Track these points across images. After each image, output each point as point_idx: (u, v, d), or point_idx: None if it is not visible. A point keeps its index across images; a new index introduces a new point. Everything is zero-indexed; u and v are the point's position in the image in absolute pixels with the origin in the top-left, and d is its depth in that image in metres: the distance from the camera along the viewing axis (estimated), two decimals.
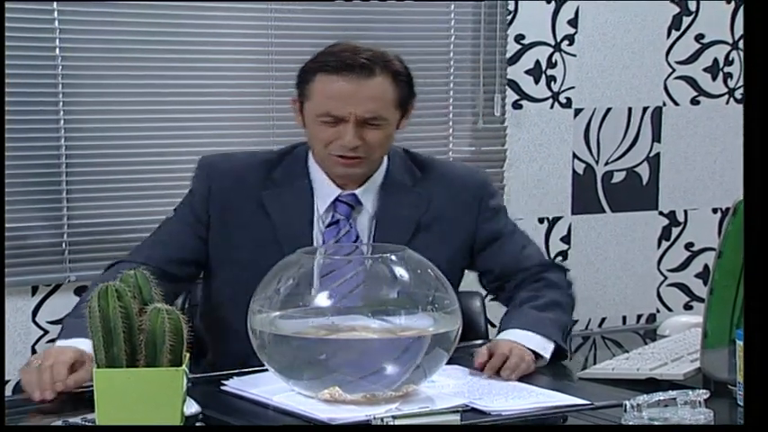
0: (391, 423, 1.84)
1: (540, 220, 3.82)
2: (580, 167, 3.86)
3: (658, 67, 3.92)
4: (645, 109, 3.93)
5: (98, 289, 1.82)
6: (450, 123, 3.64)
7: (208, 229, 2.52)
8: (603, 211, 3.91)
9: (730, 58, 4.01)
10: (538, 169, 3.79)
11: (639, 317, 4.00)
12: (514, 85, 3.72)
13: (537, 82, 3.75)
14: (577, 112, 3.83)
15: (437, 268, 2.14)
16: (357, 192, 2.52)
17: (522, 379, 2.25)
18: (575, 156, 3.84)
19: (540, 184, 3.80)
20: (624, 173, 3.93)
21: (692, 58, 3.97)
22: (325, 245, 2.46)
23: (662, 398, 1.92)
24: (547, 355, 2.37)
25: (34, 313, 3.17)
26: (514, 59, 3.71)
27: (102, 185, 3.20)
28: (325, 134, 2.45)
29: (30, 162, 3.10)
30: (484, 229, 2.59)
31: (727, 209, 3.86)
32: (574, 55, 3.79)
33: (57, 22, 3.10)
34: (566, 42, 3.78)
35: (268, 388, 2.12)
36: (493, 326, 3.41)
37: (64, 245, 3.16)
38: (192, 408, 1.97)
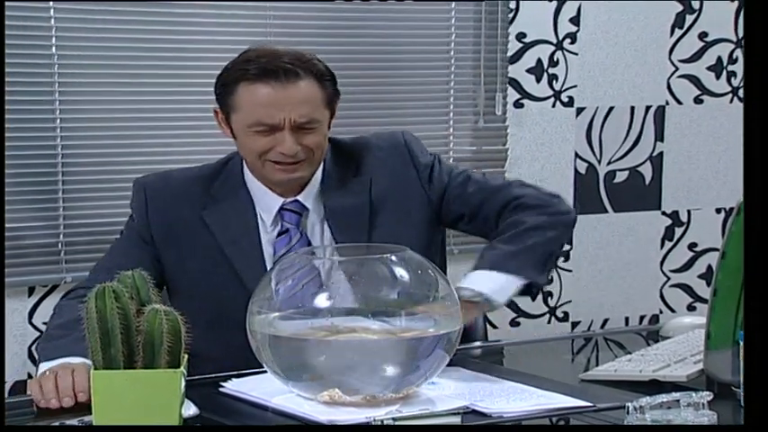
0: (392, 425, 1.84)
1: None
2: (582, 167, 3.84)
3: (661, 65, 3.91)
4: (648, 108, 3.91)
5: (96, 290, 1.81)
6: (451, 122, 3.63)
7: (156, 249, 2.49)
8: (606, 211, 3.90)
9: (734, 57, 3.99)
10: (539, 169, 3.77)
11: (642, 318, 3.98)
12: (516, 84, 3.71)
13: (539, 81, 3.74)
14: (579, 111, 3.81)
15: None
16: (299, 198, 2.48)
17: (522, 380, 2.22)
18: (577, 155, 3.83)
19: (542, 183, 3.72)
20: (627, 172, 3.91)
21: (696, 57, 3.95)
22: (323, 245, 2.44)
23: (665, 400, 1.90)
24: (504, 299, 2.33)
25: (30, 314, 3.16)
26: (516, 58, 3.70)
27: (98, 186, 3.18)
28: (258, 144, 2.40)
29: (26, 162, 3.09)
30: (432, 188, 2.53)
31: (731, 209, 3.82)
32: (576, 53, 3.78)
33: (53, 21, 3.08)
34: (568, 41, 3.76)
35: (267, 390, 2.10)
36: (493, 326, 3.42)
37: (60, 245, 3.15)
38: (190, 409, 1.97)
